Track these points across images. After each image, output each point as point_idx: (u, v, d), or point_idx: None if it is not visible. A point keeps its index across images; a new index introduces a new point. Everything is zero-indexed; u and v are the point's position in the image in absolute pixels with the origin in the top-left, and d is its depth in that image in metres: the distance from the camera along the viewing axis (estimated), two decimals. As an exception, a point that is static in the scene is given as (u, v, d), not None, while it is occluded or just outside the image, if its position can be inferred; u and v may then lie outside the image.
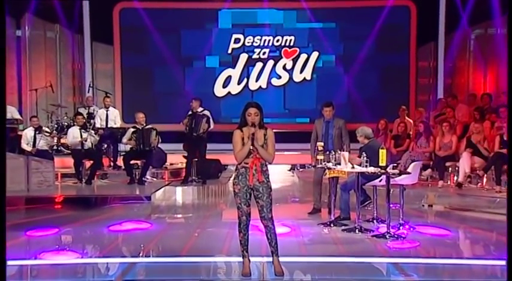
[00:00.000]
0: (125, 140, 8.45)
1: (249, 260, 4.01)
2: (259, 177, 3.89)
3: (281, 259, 4.01)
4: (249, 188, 3.93)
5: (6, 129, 6.88)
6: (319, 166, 5.73)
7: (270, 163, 3.97)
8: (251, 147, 3.86)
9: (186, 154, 8.46)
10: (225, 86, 11.94)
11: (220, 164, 9.23)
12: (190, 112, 8.25)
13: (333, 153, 5.67)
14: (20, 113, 9.83)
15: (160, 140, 8.50)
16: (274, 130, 4.05)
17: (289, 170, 10.51)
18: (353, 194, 5.96)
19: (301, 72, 11.90)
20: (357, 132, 6.09)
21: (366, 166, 5.37)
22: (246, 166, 3.91)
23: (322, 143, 5.80)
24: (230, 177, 9.02)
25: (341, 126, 6.14)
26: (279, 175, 10.09)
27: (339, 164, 5.61)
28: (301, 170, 10.28)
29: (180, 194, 8.06)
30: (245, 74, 11.97)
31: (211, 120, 8.24)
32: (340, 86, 11.78)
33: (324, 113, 6.14)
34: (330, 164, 5.67)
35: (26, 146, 8.57)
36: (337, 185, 6.08)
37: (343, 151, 5.70)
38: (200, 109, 8.28)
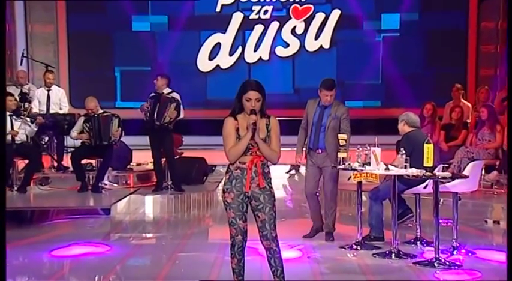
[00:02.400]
0: (74, 132, 8.45)
1: (246, 296, 4.04)
2: (259, 181, 3.93)
3: (290, 294, 4.01)
4: (246, 197, 3.97)
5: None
6: (341, 166, 5.78)
7: (274, 163, 4.01)
8: (250, 141, 3.89)
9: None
10: (212, 57, 11.96)
11: (205, 165, 9.26)
12: (153, 93, 8.28)
13: (367, 149, 5.69)
14: None
15: (123, 132, 8.51)
16: (278, 118, 4.10)
17: (288, 172, 10.67)
18: (388, 205, 6.00)
19: (316, 38, 11.96)
20: (400, 118, 6.14)
21: (406, 167, 5.38)
22: (242, 167, 3.94)
23: (344, 136, 5.85)
24: (219, 182, 9.07)
25: (340, 117, 6.09)
26: (281, 179, 10.16)
27: (367, 164, 5.63)
28: (291, 172, 10.52)
29: (151, 206, 8.11)
30: (239, 41, 12.00)
31: (181, 107, 8.27)
32: (369, 58, 11.84)
33: (321, 96, 6.06)
34: (355, 164, 5.70)
35: None
36: (362, 191, 6.11)
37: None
38: (167, 90, 8.30)
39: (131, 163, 9.49)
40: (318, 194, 6.23)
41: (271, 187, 3.99)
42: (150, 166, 9.44)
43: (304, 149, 6.27)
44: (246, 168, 3.92)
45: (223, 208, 4.00)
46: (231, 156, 3.92)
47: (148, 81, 8.99)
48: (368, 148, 5.73)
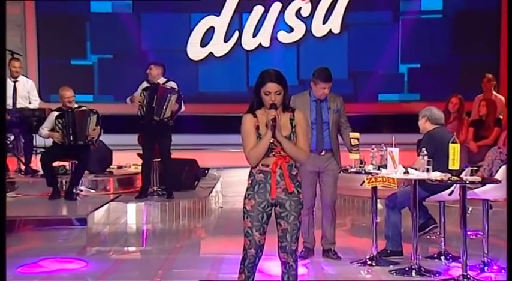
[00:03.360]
0: (44, 130, 8.45)
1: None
2: (288, 185, 3.95)
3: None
4: (269, 205, 3.98)
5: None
6: (353, 169, 5.78)
7: (303, 162, 4.08)
8: (272, 140, 3.92)
9: (142, 152, 8.53)
10: (204, 44, 12.02)
11: (196, 168, 9.30)
12: (146, 84, 8.30)
13: (383, 149, 5.67)
14: None
15: (102, 131, 8.52)
16: None
17: None
18: (407, 214, 6.00)
19: (324, 22, 12.00)
20: (420, 113, 6.15)
21: (428, 170, 5.39)
22: (265, 170, 3.97)
23: (357, 134, 5.84)
24: (212, 187, 9.14)
25: (340, 109, 6.05)
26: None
27: (383, 167, 5.63)
28: None
29: (134, 215, 8.12)
30: (236, 24, 12.05)
31: (182, 98, 8.32)
32: (386, 44, 11.87)
33: (316, 89, 5.95)
34: (370, 167, 5.70)
35: None
36: (378, 199, 6.12)
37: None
38: (162, 80, 8.33)
39: (111, 166, 9.52)
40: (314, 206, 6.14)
41: (299, 193, 3.99)
42: (133, 169, 9.44)
43: None
44: (269, 171, 3.95)
45: (242, 216, 3.98)
46: (252, 159, 3.95)
47: (130, 70, 9.00)
48: (384, 148, 5.73)
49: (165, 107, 8.06)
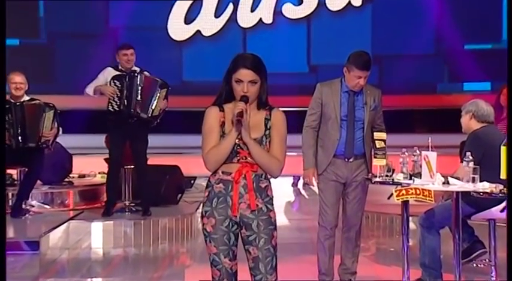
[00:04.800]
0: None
1: None
2: (251, 201, 3.93)
3: None
4: (234, 224, 3.99)
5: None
6: (378, 179, 5.77)
7: (274, 176, 4.03)
8: (237, 141, 3.90)
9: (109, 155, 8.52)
10: (190, 19, 12.07)
11: (179, 177, 9.35)
12: (113, 71, 8.30)
13: (417, 154, 5.67)
14: None
15: (60, 130, 8.50)
16: (286, 109, 4.12)
17: (294, 185, 10.92)
18: (447, 236, 5.99)
19: (342, -9, 12.11)
20: (464, 108, 6.16)
21: (474, 180, 5.41)
22: (226, 180, 3.96)
23: (384, 134, 5.85)
24: (200, 202, 9.04)
25: (378, 106, 6.11)
26: (283, 196, 10.20)
27: (417, 176, 5.64)
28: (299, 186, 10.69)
29: (100, 237, 8.13)
30: (229, -4, 12.18)
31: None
32: (419, 21, 11.90)
33: (350, 77, 5.96)
34: (399, 176, 5.71)
35: None
36: (410, 216, 6.14)
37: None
38: (134, 68, 8.38)
39: (71, 175, 9.53)
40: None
41: (270, 210, 3.97)
42: (99, 179, 9.48)
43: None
44: (231, 181, 3.93)
45: (203, 238, 4.01)
46: (209, 162, 3.93)
47: (95, 54, 8.94)
48: (418, 152, 5.72)
49: (154, 103, 8.17)
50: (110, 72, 8.31)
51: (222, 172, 3.92)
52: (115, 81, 8.19)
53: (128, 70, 8.27)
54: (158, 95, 8.21)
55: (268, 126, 3.95)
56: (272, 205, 3.98)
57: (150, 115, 8.19)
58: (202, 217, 3.98)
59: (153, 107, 8.19)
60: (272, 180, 4.01)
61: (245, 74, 3.90)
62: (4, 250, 4.88)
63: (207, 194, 3.97)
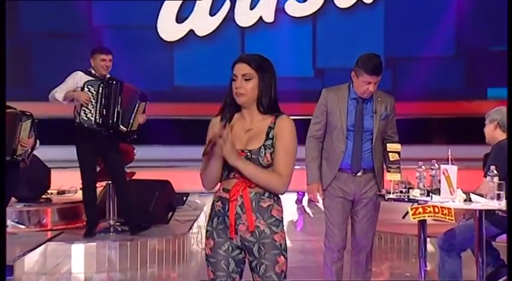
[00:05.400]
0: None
1: None
2: (249, 221, 3.92)
3: None
4: (235, 247, 4.00)
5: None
6: (392, 196, 5.75)
7: (278, 193, 4.04)
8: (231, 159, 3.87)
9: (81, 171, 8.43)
10: (182, 18, 12.10)
11: (170, 193, 9.35)
12: (85, 76, 8.24)
13: (435, 167, 5.63)
14: None
15: (38, 142, 8.46)
16: (292, 117, 4.08)
17: (299, 202, 11.03)
18: (469, 259, 6.00)
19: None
20: (488, 116, 6.14)
21: (499, 197, 5.41)
22: (224, 197, 3.98)
23: (398, 145, 5.85)
24: (193, 221, 9.15)
25: (389, 114, 6.09)
26: (287, 215, 10.20)
27: (435, 192, 5.63)
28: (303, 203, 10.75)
29: (81, 261, 8.08)
30: (226, -8, 12.23)
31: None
32: (438, 19, 11.92)
33: (359, 83, 5.95)
34: (416, 193, 5.68)
35: None
36: (428, 237, 6.15)
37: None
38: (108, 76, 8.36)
39: (49, 191, 9.52)
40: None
41: (275, 233, 3.94)
42: (80, 195, 9.39)
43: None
44: (227, 199, 3.94)
45: (204, 262, 4.04)
46: (203, 182, 3.98)
47: (77, 55, 8.89)
48: (436, 165, 5.72)
49: (133, 115, 8.17)
50: (81, 78, 8.25)
51: (223, 189, 3.95)
52: (89, 87, 8.14)
53: (102, 77, 8.24)
54: (138, 107, 8.22)
55: (270, 136, 3.94)
56: (278, 226, 3.94)
57: (129, 129, 8.17)
58: (206, 237, 4.02)
59: (132, 121, 8.18)
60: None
61: (238, 67, 3.96)
62: (4, 250, 5.01)
63: (209, 212, 4.03)
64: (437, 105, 12.00)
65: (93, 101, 8.09)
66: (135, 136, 8.32)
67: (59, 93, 8.24)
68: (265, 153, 3.90)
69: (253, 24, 12.06)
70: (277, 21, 12.05)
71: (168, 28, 12.04)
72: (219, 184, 3.99)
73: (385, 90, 6.18)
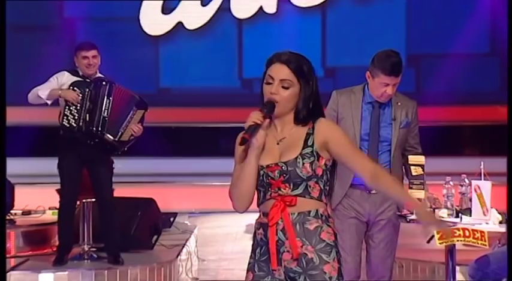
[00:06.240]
0: None
1: None
2: (292, 248, 3.93)
3: None
4: None
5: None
6: (414, 217, 5.74)
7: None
8: (264, 166, 3.95)
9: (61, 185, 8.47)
10: (169, 8, 12.18)
11: (155, 213, 9.38)
12: (71, 76, 8.26)
13: (465, 183, 5.70)
14: None
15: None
16: None
17: None
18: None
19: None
20: None
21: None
22: (264, 223, 4.04)
23: (422, 158, 5.89)
24: (181, 246, 9.19)
25: (411, 122, 6.15)
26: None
27: (466, 213, 5.68)
28: None
29: (51, 294, 8.11)
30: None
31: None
32: (469, 10, 12.03)
33: (375, 84, 6.00)
34: (443, 213, 5.70)
35: None
36: (457, 266, 6.25)
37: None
38: (98, 75, 8.40)
39: (12, 211, 9.54)
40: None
41: (326, 262, 3.93)
42: (50, 216, 9.46)
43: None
44: (266, 224, 3.99)
45: None
46: (232, 201, 4.01)
47: (46, 52, 8.87)
48: (467, 181, 5.80)
49: (125, 124, 8.18)
50: (67, 78, 8.30)
51: (262, 214, 4.02)
52: (75, 88, 8.15)
53: (90, 77, 8.26)
54: (133, 115, 8.21)
55: (309, 143, 3.99)
56: (330, 253, 3.94)
57: (117, 139, 8.16)
58: (248, 269, 4.10)
59: (122, 130, 8.16)
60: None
61: (276, 69, 3.96)
62: (4, 250, 5.45)
63: (252, 242, 4.10)
64: (467, 111, 12.06)
65: (78, 104, 8.10)
66: (125, 149, 8.30)
67: (42, 90, 8.24)
68: (303, 163, 3.92)
69: (252, 16, 12.12)
70: (281, 12, 12.11)
71: (153, 20, 12.12)
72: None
73: (406, 93, 6.22)
